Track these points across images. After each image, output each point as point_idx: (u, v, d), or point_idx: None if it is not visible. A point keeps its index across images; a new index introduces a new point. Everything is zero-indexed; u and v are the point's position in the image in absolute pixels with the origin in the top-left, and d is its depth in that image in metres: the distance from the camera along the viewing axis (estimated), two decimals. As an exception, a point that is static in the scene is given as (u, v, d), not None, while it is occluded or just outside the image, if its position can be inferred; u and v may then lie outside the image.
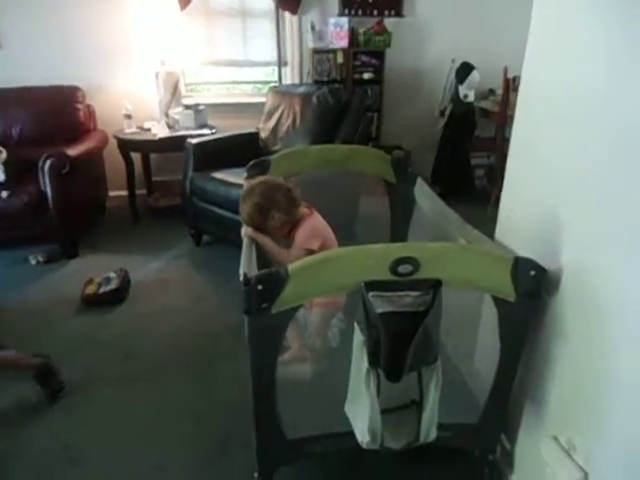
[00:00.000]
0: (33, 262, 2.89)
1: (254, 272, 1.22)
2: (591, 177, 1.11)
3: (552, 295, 1.24)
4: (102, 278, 2.57)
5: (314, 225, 1.69)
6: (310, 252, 1.61)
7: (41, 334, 2.27)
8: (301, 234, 1.66)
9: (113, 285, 2.52)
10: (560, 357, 1.25)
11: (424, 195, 1.96)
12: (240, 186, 2.30)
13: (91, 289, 2.51)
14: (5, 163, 2.87)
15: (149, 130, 3.45)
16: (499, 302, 1.23)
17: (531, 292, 1.20)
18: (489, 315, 1.41)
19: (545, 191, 1.30)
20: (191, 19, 3.58)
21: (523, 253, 1.25)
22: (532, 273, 1.17)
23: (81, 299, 2.49)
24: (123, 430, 1.75)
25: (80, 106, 3.41)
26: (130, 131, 3.44)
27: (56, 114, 3.34)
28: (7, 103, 3.28)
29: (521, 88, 1.43)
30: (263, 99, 3.51)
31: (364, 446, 1.23)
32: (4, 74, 3.37)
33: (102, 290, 2.49)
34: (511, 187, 1.51)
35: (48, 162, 2.78)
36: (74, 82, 3.41)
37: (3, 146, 2.98)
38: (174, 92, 3.55)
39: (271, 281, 1.11)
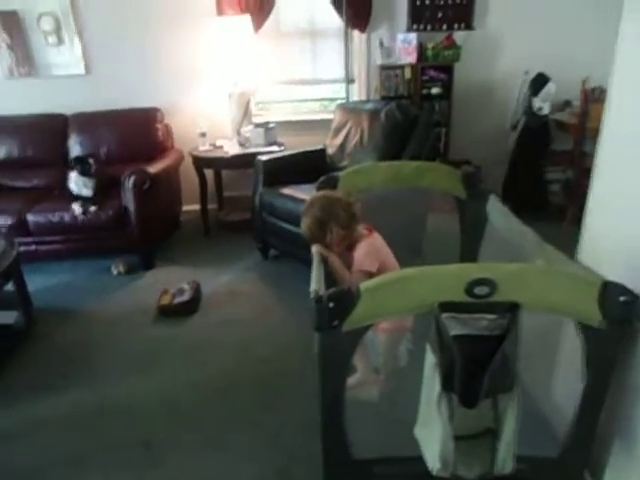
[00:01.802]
0: (115, 272, 3.10)
1: (323, 289, 1.23)
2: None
3: (645, 323, 1.14)
4: (176, 289, 2.70)
5: (373, 245, 1.68)
6: (369, 275, 1.60)
7: (120, 341, 2.41)
8: (359, 255, 1.65)
9: (186, 297, 2.63)
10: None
11: (498, 212, 1.89)
12: (308, 202, 2.33)
13: (166, 299, 2.64)
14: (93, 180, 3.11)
15: (221, 147, 3.61)
16: (584, 328, 1.15)
17: (621, 319, 1.12)
18: (569, 342, 1.33)
19: (635, 212, 1.21)
20: (263, 41, 3.73)
21: (610, 277, 1.17)
22: (622, 299, 1.09)
23: (157, 309, 2.62)
24: (194, 434, 1.81)
25: (159, 126, 3.64)
26: (204, 149, 3.61)
27: (138, 134, 3.58)
28: (96, 125, 3.57)
29: (608, 101, 1.35)
30: (331, 116, 3.56)
31: (434, 473, 1.19)
32: (92, 98, 3.67)
33: (176, 301, 2.61)
34: (597, 206, 1.42)
35: (131, 179, 2.98)
36: (153, 103, 3.65)
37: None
38: (245, 111, 3.70)
39: (343, 299, 1.11)
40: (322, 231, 1.66)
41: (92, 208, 3.00)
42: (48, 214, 3.01)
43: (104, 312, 2.68)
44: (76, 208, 2.99)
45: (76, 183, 3.07)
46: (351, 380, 1.63)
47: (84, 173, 3.06)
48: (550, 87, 3.50)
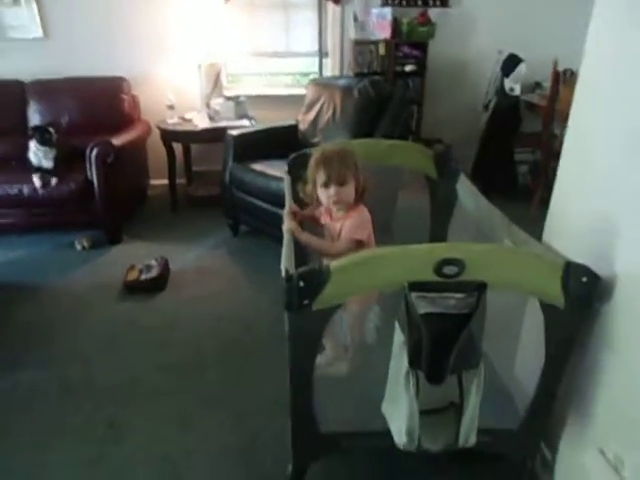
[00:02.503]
0: (78, 247, 3.00)
1: (293, 268, 1.22)
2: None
3: (604, 303, 1.18)
4: (143, 265, 2.64)
5: (366, 214, 1.65)
6: (358, 242, 1.58)
7: (84, 318, 2.36)
8: (351, 224, 1.60)
9: (154, 273, 2.58)
10: (610, 368, 1.19)
11: (467, 192, 1.91)
12: (279, 178, 2.31)
13: (133, 275, 2.58)
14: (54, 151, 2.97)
15: (190, 121, 3.50)
16: (546, 308, 1.18)
17: (582, 299, 1.15)
18: (532, 319, 1.36)
19: (600, 194, 1.24)
20: (234, 11, 3.60)
21: (574, 258, 1.20)
22: (584, 279, 1.12)
23: (123, 285, 2.56)
24: (158, 413, 1.80)
25: (125, 97, 3.49)
26: (172, 122, 3.50)
27: (102, 104, 3.43)
28: (56, 93, 3.40)
29: (578, 84, 1.36)
30: (303, 91, 3.50)
31: (401, 447, 1.22)
32: (52, 64, 3.49)
33: (144, 277, 2.56)
34: (563, 188, 1.45)
35: (94, 151, 2.87)
36: (119, 72, 3.50)
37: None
38: (216, 83, 3.59)
39: (313, 278, 1.10)
40: (355, 172, 1.57)
41: (53, 180, 2.88)
42: (5, 186, 2.87)
43: (67, 288, 2.60)
44: (36, 180, 2.87)
45: (35, 154, 2.93)
46: (320, 359, 1.65)
47: (44, 143, 2.93)
48: (522, 68, 3.53)
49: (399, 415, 1.20)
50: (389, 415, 1.27)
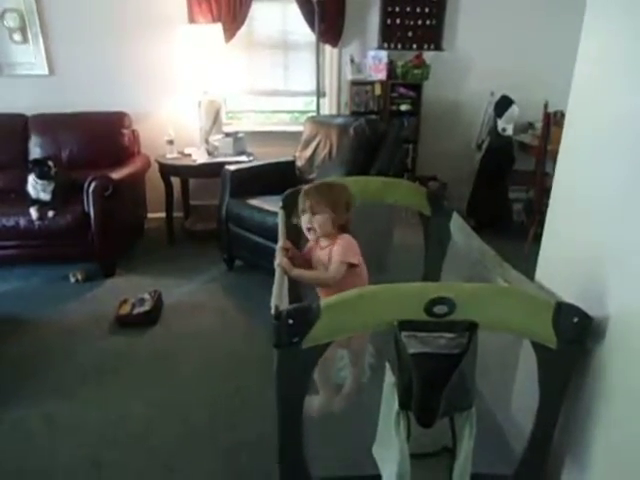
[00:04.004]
0: (72, 280, 2.98)
1: (285, 304, 1.21)
2: (641, 221, 1.06)
3: (597, 344, 1.17)
4: (136, 299, 2.62)
5: (349, 241, 1.67)
6: (351, 266, 1.60)
7: (73, 352, 2.31)
8: (341, 247, 1.62)
9: (146, 307, 2.56)
10: (606, 411, 1.17)
11: (460, 230, 1.92)
12: (275, 214, 2.33)
13: (125, 309, 2.56)
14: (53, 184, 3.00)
15: (189, 156, 3.56)
16: (539, 348, 1.17)
17: (574, 340, 1.14)
18: (527, 359, 1.35)
19: (590, 233, 1.25)
20: (235, 50, 3.71)
21: (566, 297, 1.20)
22: (575, 320, 1.12)
23: (115, 319, 2.53)
24: (146, 451, 1.74)
25: (126, 131, 3.56)
26: (171, 156, 3.55)
27: (103, 138, 3.49)
28: (57, 127, 3.46)
29: (566, 125, 1.40)
30: (301, 128, 3.56)
31: (392, 493, 1.18)
32: (56, 99, 3.57)
33: (136, 311, 2.53)
34: (553, 227, 1.46)
35: (92, 184, 2.89)
36: (121, 108, 3.58)
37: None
38: (215, 120, 3.66)
39: (302, 316, 1.10)
40: (331, 204, 1.63)
41: (50, 213, 2.89)
42: (2, 218, 2.88)
43: (58, 321, 2.56)
44: (33, 212, 2.88)
45: (34, 187, 2.95)
46: (312, 400, 1.62)
47: (42, 176, 2.95)
48: (514, 109, 3.63)
49: (390, 459, 1.17)
50: (380, 458, 1.24)
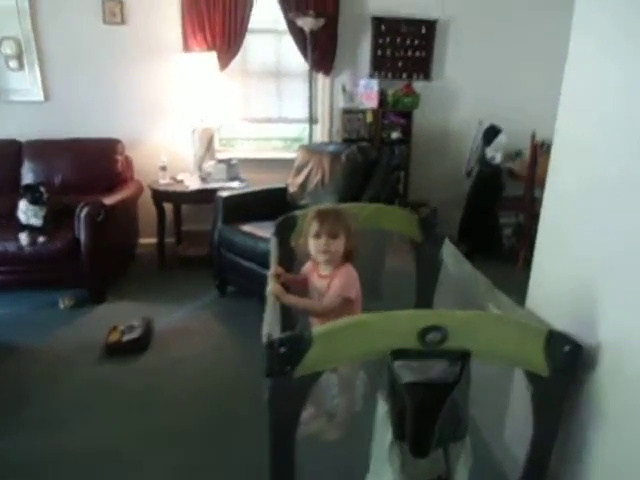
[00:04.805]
0: (61, 306, 2.94)
1: (277, 332, 1.20)
2: (631, 245, 1.07)
3: (589, 372, 1.17)
4: (126, 326, 2.58)
5: (352, 274, 1.67)
6: (346, 300, 1.60)
7: (61, 380, 2.27)
8: (340, 282, 1.62)
9: (136, 334, 2.52)
10: (600, 440, 1.17)
11: (452, 257, 1.94)
12: (267, 240, 2.34)
13: (114, 336, 2.52)
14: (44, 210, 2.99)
15: (182, 182, 3.57)
16: (531, 377, 1.17)
17: (565, 368, 1.14)
18: (521, 387, 1.34)
19: (581, 259, 1.27)
20: (229, 78, 3.77)
21: (557, 324, 1.21)
22: (566, 348, 1.12)
23: (104, 346, 2.49)
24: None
25: (119, 157, 3.57)
26: (164, 182, 3.56)
27: (96, 164, 3.50)
28: (51, 153, 3.46)
29: (553, 153, 1.43)
30: (293, 155, 3.61)
31: (385, 526, 1.16)
32: (50, 126, 3.58)
33: (125, 338, 2.50)
34: (543, 254, 1.48)
35: (85, 210, 2.89)
36: (114, 134, 3.60)
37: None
38: (209, 147, 3.70)
39: (294, 344, 1.09)
40: (346, 229, 1.64)
41: (40, 239, 2.87)
42: (-8, 243, 2.86)
43: (45, 349, 2.52)
44: (23, 238, 2.86)
45: (25, 212, 2.94)
46: (305, 428, 1.59)
47: (34, 202, 2.94)
48: (501, 138, 3.71)
49: (384, 490, 1.15)
50: (374, 490, 1.21)
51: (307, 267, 1.77)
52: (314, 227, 1.64)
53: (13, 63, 3.57)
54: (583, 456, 1.22)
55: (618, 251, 1.12)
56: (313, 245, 1.65)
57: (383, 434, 1.13)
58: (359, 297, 1.66)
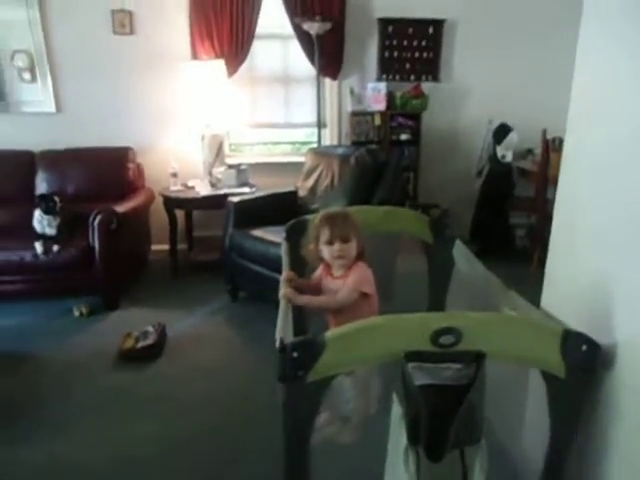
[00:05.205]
0: (76, 314, 2.97)
1: (290, 336, 1.20)
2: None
3: (606, 371, 1.15)
4: (140, 332, 2.60)
5: (366, 270, 1.67)
6: (365, 295, 1.60)
7: (75, 388, 2.29)
8: (356, 276, 1.63)
9: (150, 340, 2.54)
10: (619, 441, 1.14)
11: (463, 257, 1.92)
12: (278, 244, 2.34)
13: (129, 343, 2.54)
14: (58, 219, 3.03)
15: (193, 188, 3.60)
16: (548, 377, 1.15)
17: (583, 368, 1.12)
18: (538, 388, 1.32)
19: (596, 258, 1.25)
20: (237, 85, 3.80)
21: (573, 324, 1.19)
22: (584, 348, 1.10)
23: (118, 353, 2.51)
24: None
25: (131, 165, 3.61)
26: (175, 189, 3.59)
27: (108, 173, 3.54)
28: (63, 162, 3.51)
29: (565, 151, 1.42)
30: (302, 159, 3.61)
31: (402, 530, 1.15)
32: (62, 136, 3.63)
33: (140, 345, 2.51)
34: (557, 253, 1.46)
35: (98, 218, 2.92)
36: (126, 143, 3.64)
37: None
38: (218, 153, 3.72)
39: (307, 348, 1.09)
40: (355, 231, 1.64)
41: (55, 247, 2.91)
42: (8, 253, 2.90)
43: (60, 357, 2.54)
44: (38, 247, 2.90)
45: (39, 221, 2.98)
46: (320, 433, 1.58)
47: (48, 211, 2.98)
48: (512, 136, 3.67)
49: (400, 495, 1.13)
50: (390, 494, 1.20)
51: (319, 272, 1.76)
52: (325, 234, 1.63)
53: (26, 75, 3.64)
54: (603, 459, 1.20)
55: (633, 250, 1.10)
56: (327, 252, 1.65)
57: (398, 437, 1.12)
58: (375, 295, 1.66)
